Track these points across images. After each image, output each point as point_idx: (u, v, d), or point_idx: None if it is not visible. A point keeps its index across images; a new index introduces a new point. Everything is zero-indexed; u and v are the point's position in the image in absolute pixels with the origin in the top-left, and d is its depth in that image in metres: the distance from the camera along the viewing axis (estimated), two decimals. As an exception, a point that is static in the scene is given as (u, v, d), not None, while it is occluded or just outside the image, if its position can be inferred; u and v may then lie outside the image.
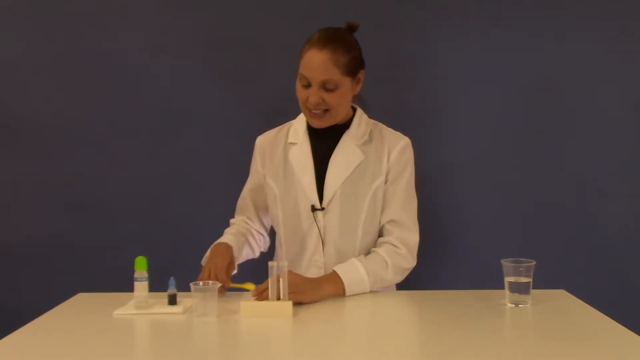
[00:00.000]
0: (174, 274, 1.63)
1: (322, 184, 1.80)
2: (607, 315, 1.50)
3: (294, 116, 1.92)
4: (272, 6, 2.43)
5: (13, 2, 2.44)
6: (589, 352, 1.28)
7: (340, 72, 1.71)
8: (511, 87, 2.43)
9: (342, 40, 1.73)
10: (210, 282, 1.54)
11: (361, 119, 1.86)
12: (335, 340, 1.41)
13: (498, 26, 2.42)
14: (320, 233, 1.78)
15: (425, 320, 1.58)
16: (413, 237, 1.80)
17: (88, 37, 2.44)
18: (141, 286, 1.57)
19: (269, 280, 1.54)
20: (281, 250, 1.87)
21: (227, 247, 1.76)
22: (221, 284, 1.58)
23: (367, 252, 1.81)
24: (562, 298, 1.69)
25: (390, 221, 1.80)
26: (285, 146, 1.87)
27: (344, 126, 1.83)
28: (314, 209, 1.78)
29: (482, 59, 2.42)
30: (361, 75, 1.80)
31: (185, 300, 1.60)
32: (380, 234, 1.83)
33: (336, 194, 1.78)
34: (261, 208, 1.93)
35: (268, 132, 1.94)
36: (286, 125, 1.93)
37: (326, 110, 1.74)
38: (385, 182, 1.82)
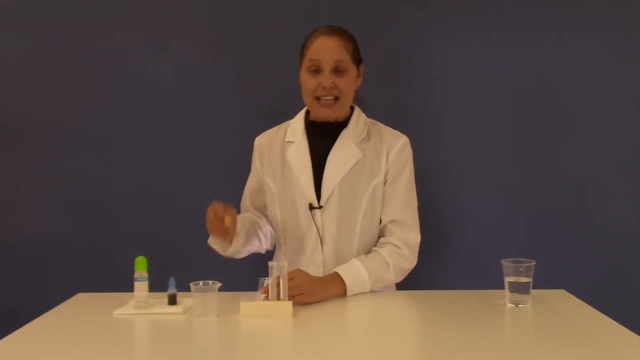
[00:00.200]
0: (174, 274, 1.63)
1: (320, 182, 1.80)
2: (607, 315, 1.50)
3: (293, 116, 1.92)
4: (272, 6, 2.43)
5: (13, 2, 2.44)
6: (589, 352, 1.28)
7: (349, 57, 1.77)
8: (511, 87, 2.43)
9: (347, 32, 1.81)
10: (210, 282, 1.53)
11: (359, 117, 1.87)
12: (335, 340, 1.42)
13: (498, 26, 2.42)
14: (318, 231, 1.79)
15: (425, 320, 1.58)
16: (415, 237, 1.81)
17: (88, 37, 2.44)
18: (141, 286, 1.57)
19: (269, 280, 1.54)
20: (280, 249, 1.87)
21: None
22: (220, 284, 1.57)
23: (366, 251, 1.81)
24: (562, 298, 1.69)
25: (392, 221, 1.80)
26: (283, 145, 1.87)
27: (342, 124, 1.84)
28: (311, 207, 1.79)
29: (482, 59, 2.42)
30: (362, 69, 1.83)
31: (185, 300, 1.60)
32: (382, 234, 1.83)
33: (334, 192, 1.78)
34: (263, 207, 1.93)
35: (266, 131, 1.95)
36: (284, 124, 1.93)
37: (336, 99, 1.77)
38: (385, 181, 1.82)
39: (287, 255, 1.82)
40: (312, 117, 1.87)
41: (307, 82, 1.77)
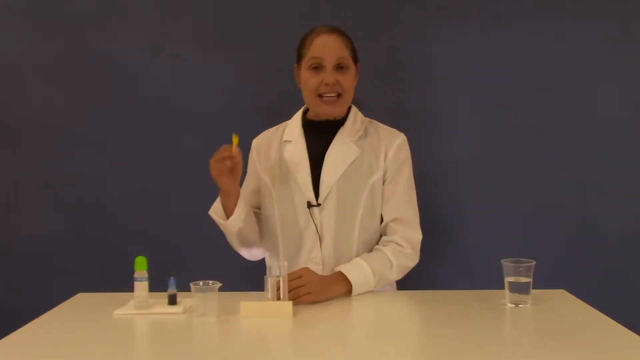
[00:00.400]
0: (174, 274, 1.62)
1: (318, 180, 1.80)
2: (607, 315, 1.50)
3: (292, 116, 1.92)
4: (272, 6, 2.43)
5: (13, 2, 2.44)
6: (589, 352, 1.28)
7: (350, 55, 1.79)
8: (511, 87, 2.43)
9: (343, 31, 1.82)
10: (210, 282, 1.53)
11: (356, 115, 1.88)
12: (335, 340, 1.42)
13: (498, 26, 2.42)
14: (317, 229, 1.79)
15: (425, 320, 1.58)
16: (417, 235, 1.82)
17: (88, 37, 2.44)
18: (141, 286, 1.57)
19: (269, 280, 1.54)
20: (276, 249, 1.86)
21: None
22: (220, 284, 1.57)
23: (366, 248, 1.81)
24: (562, 298, 1.69)
25: (394, 219, 1.80)
26: (281, 144, 1.88)
27: (339, 123, 1.84)
28: (310, 205, 1.79)
29: (482, 59, 2.42)
30: (359, 67, 1.84)
31: (185, 300, 1.60)
32: (383, 232, 1.83)
33: (332, 189, 1.79)
34: (258, 209, 1.92)
35: (264, 132, 1.96)
36: (281, 125, 1.94)
37: (338, 96, 1.78)
38: (384, 180, 1.82)
39: (285, 254, 1.82)
40: (310, 115, 1.87)
41: (309, 79, 1.78)
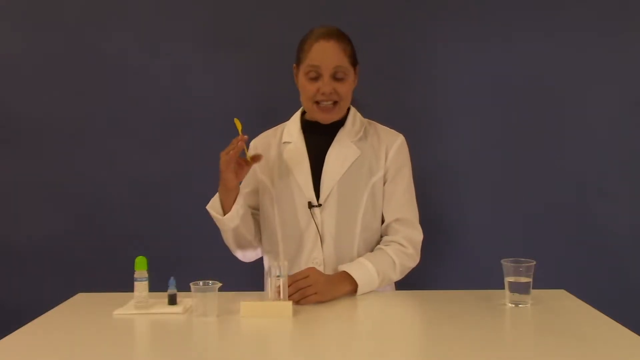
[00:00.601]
0: (174, 274, 1.63)
1: (319, 180, 1.80)
2: (607, 315, 1.50)
3: (290, 117, 1.92)
4: (272, 6, 2.43)
5: (13, 2, 2.44)
6: (589, 352, 1.28)
7: (348, 62, 1.77)
8: (511, 87, 2.43)
9: (343, 34, 1.80)
10: (210, 282, 1.53)
11: (355, 116, 1.88)
12: (335, 340, 1.42)
13: (498, 26, 2.42)
14: (318, 230, 1.79)
15: (425, 320, 1.58)
16: (418, 235, 1.83)
17: (88, 37, 2.44)
18: (141, 286, 1.57)
19: (270, 279, 1.54)
20: (277, 249, 1.85)
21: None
22: (220, 284, 1.57)
23: (367, 248, 1.82)
24: (562, 298, 1.69)
25: (396, 220, 1.81)
26: (280, 146, 1.88)
27: (338, 123, 1.84)
28: (310, 205, 1.79)
29: (482, 59, 2.42)
30: (358, 70, 1.84)
31: (185, 300, 1.60)
32: (385, 232, 1.83)
33: (333, 190, 1.79)
34: (257, 209, 1.92)
35: (262, 134, 1.95)
36: (280, 126, 1.94)
37: (335, 103, 1.77)
38: (385, 180, 1.83)
39: (285, 254, 1.82)
40: (309, 116, 1.87)
41: (306, 87, 1.78)
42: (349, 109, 1.88)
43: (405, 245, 1.79)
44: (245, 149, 1.71)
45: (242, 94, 2.44)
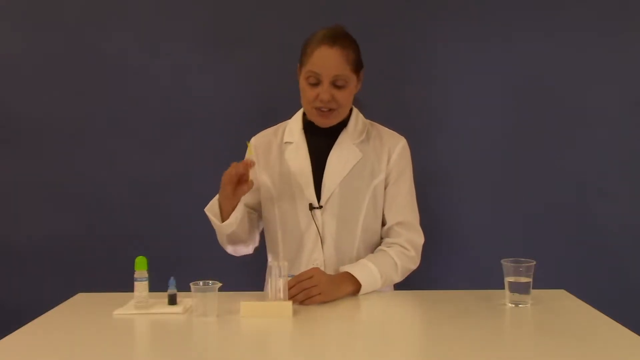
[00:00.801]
0: (174, 274, 1.63)
1: (320, 182, 1.80)
2: (607, 315, 1.50)
3: (292, 116, 1.92)
4: (272, 6, 2.43)
5: (13, 2, 2.44)
6: (589, 352, 1.28)
7: (350, 69, 1.74)
8: (511, 87, 2.43)
9: (349, 38, 1.77)
10: (210, 282, 1.53)
11: (358, 118, 1.87)
12: (335, 340, 1.42)
13: (498, 26, 2.42)
14: (318, 231, 1.79)
15: (425, 320, 1.58)
16: (419, 239, 1.83)
17: (88, 37, 2.44)
18: (141, 286, 1.57)
19: (270, 279, 1.54)
20: (278, 250, 1.85)
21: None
22: (220, 284, 1.57)
23: (367, 249, 1.82)
24: (562, 298, 1.69)
25: (399, 223, 1.81)
26: (281, 145, 1.87)
27: (341, 125, 1.84)
28: (311, 207, 1.79)
29: (482, 59, 2.42)
30: (362, 75, 1.82)
31: (185, 300, 1.60)
32: (387, 235, 1.83)
33: (334, 192, 1.79)
34: (256, 205, 1.90)
35: (263, 132, 1.93)
36: (281, 125, 1.93)
37: (333, 109, 1.76)
38: (386, 183, 1.82)
39: (286, 255, 1.82)
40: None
41: (306, 91, 1.76)
42: (351, 110, 1.87)
43: (408, 248, 1.79)
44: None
45: (242, 94, 2.44)
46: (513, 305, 1.59)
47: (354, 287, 1.69)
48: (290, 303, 1.52)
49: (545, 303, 1.61)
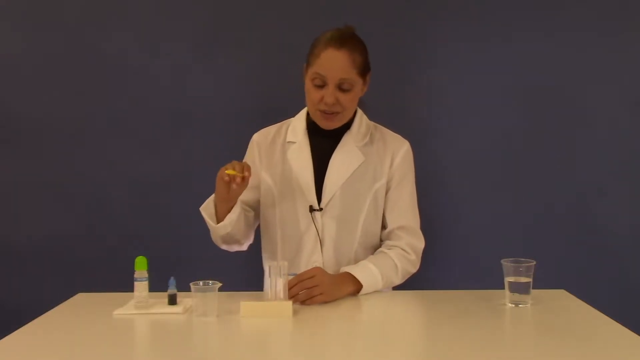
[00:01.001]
0: (174, 274, 1.62)
1: (321, 184, 1.79)
2: (607, 315, 1.50)
3: (293, 116, 1.91)
4: (272, 6, 2.43)
5: (13, 2, 2.44)
6: (589, 352, 1.28)
7: (356, 72, 1.72)
8: (511, 88, 2.43)
9: (357, 41, 1.75)
10: (210, 282, 1.53)
11: (362, 120, 1.86)
12: (335, 340, 1.42)
13: (498, 26, 2.42)
14: (318, 233, 1.78)
15: (425, 320, 1.58)
16: (420, 243, 1.83)
17: (88, 37, 2.44)
18: (141, 286, 1.57)
19: (270, 279, 1.54)
20: (276, 250, 1.85)
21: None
22: (220, 284, 1.57)
23: (366, 252, 1.82)
24: (562, 298, 1.69)
25: (400, 227, 1.81)
26: (284, 144, 1.86)
27: (345, 126, 1.83)
28: (312, 209, 1.78)
29: (482, 59, 2.42)
30: (368, 78, 1.80)
31: (185, 300, 1.60)
32: (388, 238, 1.83)
33: (335, 195, 1.78)
34: (254, 203, 1.88)
35: (265, 129, 1.92)
36: (285, 123, 1.92)
37: (337, 112, 1.74)
38: (389, 186, 1.82)
39: (284, 255, 1.82)
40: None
41: (311, 92, 1.74)
42: (355, 112, 1.86)
43: (408, 252, 1.79)
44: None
45: (242, 94, 2.44)
46: (513, 305, 1.59)
47: (355, 287, 1.69)
48: (290, 303, 1.52)
49: (545, 303, 1.61)
